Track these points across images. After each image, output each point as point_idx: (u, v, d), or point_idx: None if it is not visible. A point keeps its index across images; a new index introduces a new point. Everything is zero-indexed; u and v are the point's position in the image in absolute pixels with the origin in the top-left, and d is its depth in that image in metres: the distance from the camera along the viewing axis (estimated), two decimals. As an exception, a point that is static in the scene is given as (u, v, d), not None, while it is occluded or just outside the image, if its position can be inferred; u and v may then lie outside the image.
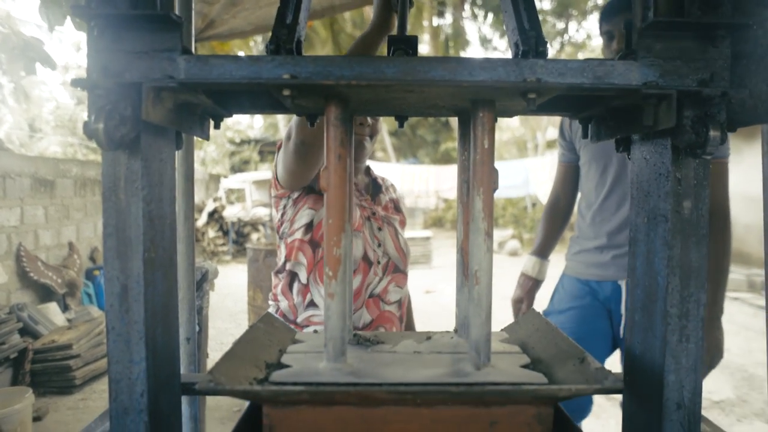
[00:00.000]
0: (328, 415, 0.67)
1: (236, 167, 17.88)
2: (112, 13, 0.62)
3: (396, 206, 1.82)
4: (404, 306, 1.73)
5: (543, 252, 2.33)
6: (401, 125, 0.87)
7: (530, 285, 2.25)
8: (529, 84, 0.63)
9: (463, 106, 0.78)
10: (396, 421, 0.67)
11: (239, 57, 0.65)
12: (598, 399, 4.29)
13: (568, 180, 2.33)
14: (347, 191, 0.70)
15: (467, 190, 0.82)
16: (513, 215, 14.88)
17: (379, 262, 1.61)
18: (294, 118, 1.42)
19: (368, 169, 1.83)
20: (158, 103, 0.64)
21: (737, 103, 0.68)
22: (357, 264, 1.55)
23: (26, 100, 5.74)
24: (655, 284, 0.72)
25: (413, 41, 0.75)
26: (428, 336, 0.94)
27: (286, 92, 0.63)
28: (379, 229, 1.65)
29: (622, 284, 2.11)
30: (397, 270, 1.68)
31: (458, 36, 10.83)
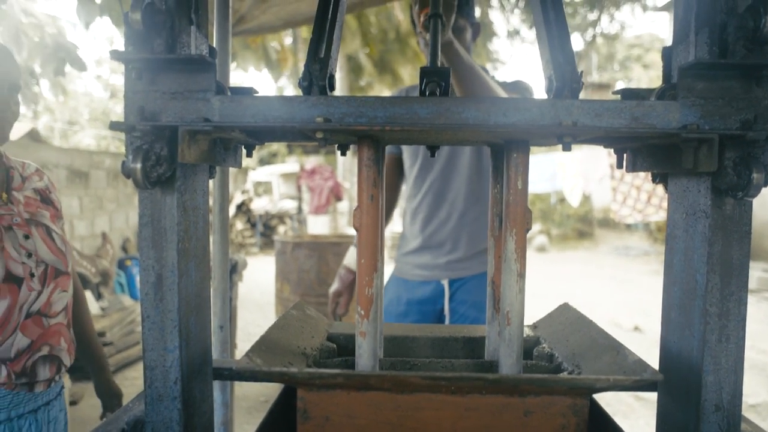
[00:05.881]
0: (362, 400, 0.67)
1: (264, 160, 18.04)
2: (149, 57, 0.63)
3: (44, 198, 1.51)
4: (70, 308, 1.52)
5: None
6: (432, 154, 0.87)
7: (351, 278, 2.12)
8: (565, 128, 0.62)
9: (496, 141, 0.77)
10: (429, 408, 0.67)
11: (272, 97, 0.66)
12: (627, 399, 4.24)
13: (389, 172, 2.25)
14: (379, 232, 0.70)
15: (499, 224, 0.81)
16: (541, 210, 14.71)
17: (33, 275, 1.36)
18: None
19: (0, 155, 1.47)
20: (194, 145, 0.65)
21: (781, 142, 0.66)
22: None
23: (64, 94, 5.89)
24: (693, 282, 0.71)
25: (445, 74, 0.74)
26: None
27: (320, 135, 0.63)
28: (26, 236, 1.38)
29: (445, 284, 2.14)
30: (59, 273, 1.45)
31: (485, 28, 10.69)
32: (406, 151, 2.21)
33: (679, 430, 0.74)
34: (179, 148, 0.63)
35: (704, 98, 0.65)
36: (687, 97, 0.65)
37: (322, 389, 0.67)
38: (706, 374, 0.69)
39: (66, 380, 3.68)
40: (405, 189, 2.31)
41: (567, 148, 0.64)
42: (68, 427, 1.55)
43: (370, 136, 0.68)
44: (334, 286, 2.14)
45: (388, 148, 2.26)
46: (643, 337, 5.87)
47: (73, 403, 3.92)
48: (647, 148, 0.78)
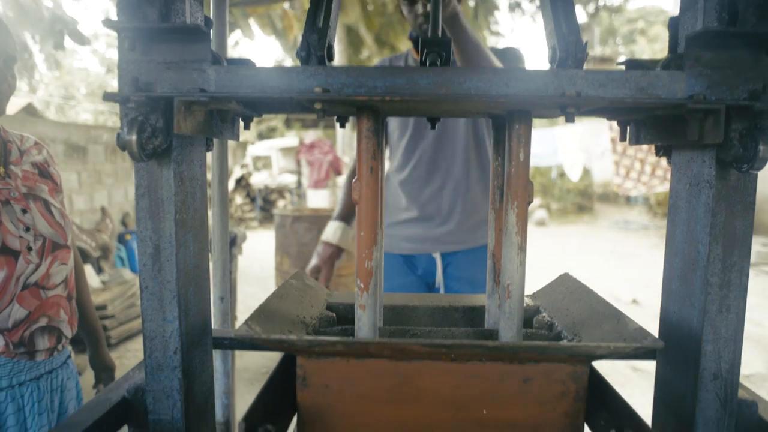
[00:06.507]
0: (362, 368, 0.67)
1: (263, 134, 17.94)
2: (142, 26, 0.61)
3: (42, 171, 1.50)
4: (71, 280, 1.52)
5: (346, 217, 2.07)
6: (433, 126, 0.85)
7: (330, 252, 2.01)
8: (569, 98, 0.60)
9: (498, 112, 0.76)
10: (429, 375, 0.67)
11: (269, 68, 0.64)
12: (623, 370, 4.29)
13: None
14: (379, 205, 0.69)
15: (500, 196, 0.80)
16: (541, 184, 14.69)
17: (31, 248, 1.37)
18: None
19: None
20: (189, 116, 0.64)
21: (789, 113, 0.65)
22: None
23: (58, 68, 5.82)
24: (695, 252, 0.71)
25: (446, 44, 0.73)
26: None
27: (318, 106, 0.62)
28: (24, 211, 1.38)
29: (437, 257, 2.09)
30: (58, 246, 1.46)
31: (486, 1, 10.49)
32: (393, 122, 2.11)
33: (678, 398, 0.74)
34: (175, 120, 0.62)
35: (711, 68, 0.64)
36: (694, 67, 0.64)
37: (321, 357, 0.67)
38: (706, 343, 0.69)
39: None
40: (390, 161, 2.22)
41: (570, 119, 0.63)
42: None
43: (369, 107, 0.66)
44: (312, 263, 2.02)
45: None
46: (641, 310, 5.92)
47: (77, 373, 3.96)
48: (651, 120, 0.77)
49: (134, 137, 0.63)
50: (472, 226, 2.09)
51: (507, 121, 0.69)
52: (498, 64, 1.68)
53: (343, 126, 0.84)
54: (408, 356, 0.66)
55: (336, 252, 2.01)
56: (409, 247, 2.12)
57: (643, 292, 6.51)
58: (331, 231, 2.03)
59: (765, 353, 4.75)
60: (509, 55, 1.91)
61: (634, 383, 4.10)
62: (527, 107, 0.66)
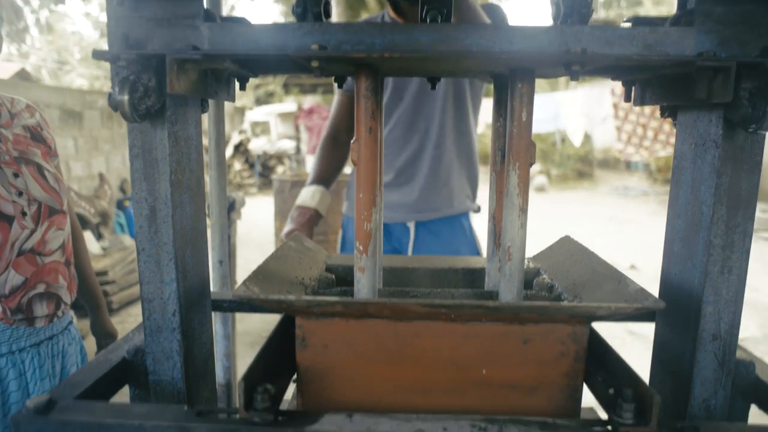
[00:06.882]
0: (361, 328, 0.67)
1: (261, 100, 17.73)
2: (132, -21, 0.59)
3: (34, 135, 1.46)
4: (69, 246, 1.50)
5: (324, 181, 1.96)
6: (433, 87, 0.83)
7: (308, 215, 1.87)
8: (574, 55, 0.58)
9: (500, 71, 0.74)
10: (428, 335, 0.67)
11: (265, 25, 0.62)
12: (620, 333, 4.35)
13: (350, 109, 1.98)
14: (378, 165, 0.67)
15: (501, 158, 0.79)
16: (541, 150, 14.58)
17: (25, 213, 1.34)
18: None
19: None
20: (182, 75, 0.62)
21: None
22: None
23: (50, 32, 5.70)
24: (699, 214, 0.70)
25: (447, 0, 0.70)
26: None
27: (315, 64, 0.60)
28: (16, 175, 1.35)
29: (411, 226, 2.00)
30: (54, 212, 1.42)
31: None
32: None
33: (676, 358, 0.75)
34: (168, 79, 0.60)
35: (722, 24, 0.62)
36: (704, 23, 0.62)
37: (320, 317, 0.67)
38: (706, 305, 0.69)
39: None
40: None
41: (575, 77, 0.61)
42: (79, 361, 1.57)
43: (368, 64, 0.64)
44: (287, 228, 1.89)
45: (346, 86, 1.99)
46: (639, 275, 5.96)
47: (79, 339, 4.00)
48: (657, 80, 0.75)
49: (126, 97, 0.61)
50: (449, 193, 2.01)
51: (509, 80, 0.67)
52: None
53: (341, 86, 0.82)
54: (407, 316, 0.66)
55: (314, 216, 1.90)
56: (384, 214, 2.00)
57: (641, 258, 6.55)
58: (308, 195, 1.92)
59: (760, 317, 4.81)
60: (494, 14, 1.83)
61: (630, 346, 4.15)
62: (531, 65, 0.64)
